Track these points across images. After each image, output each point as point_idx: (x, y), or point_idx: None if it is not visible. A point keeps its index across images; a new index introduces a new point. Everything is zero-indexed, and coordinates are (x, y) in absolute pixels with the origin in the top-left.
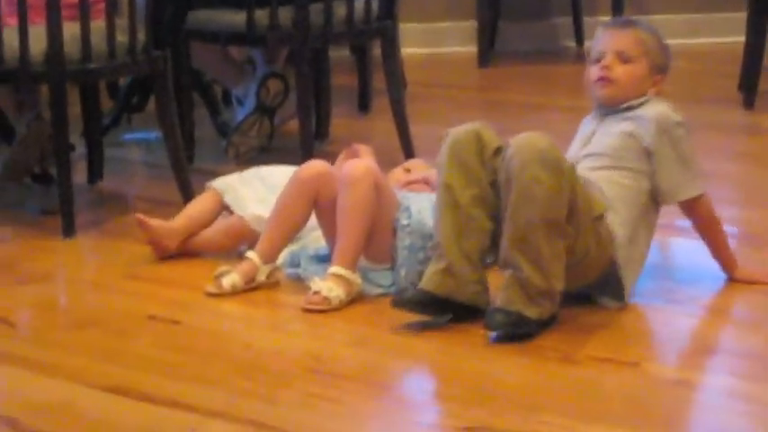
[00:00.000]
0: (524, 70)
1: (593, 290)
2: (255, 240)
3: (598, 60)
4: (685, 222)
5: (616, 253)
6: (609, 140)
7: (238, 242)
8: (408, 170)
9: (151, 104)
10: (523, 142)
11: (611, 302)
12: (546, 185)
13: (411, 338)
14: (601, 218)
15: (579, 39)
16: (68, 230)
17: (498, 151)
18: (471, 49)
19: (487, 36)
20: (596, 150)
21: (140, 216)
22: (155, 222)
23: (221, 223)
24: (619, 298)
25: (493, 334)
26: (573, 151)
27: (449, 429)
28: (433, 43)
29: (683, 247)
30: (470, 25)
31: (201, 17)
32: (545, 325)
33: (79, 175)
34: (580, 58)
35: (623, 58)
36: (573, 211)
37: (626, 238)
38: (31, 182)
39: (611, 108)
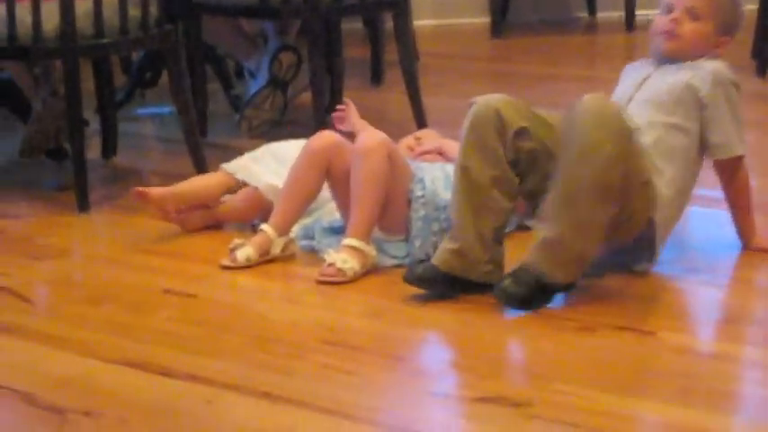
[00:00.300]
0: (537, 41)
1: (626, 252)
2: (270, 211)
3: (668, 12)
4: (701, 190)
5: (656, 214)
6: (665, 87)
7: (255, 213)
8: (419, 139)
9: (164, 79)
10: (592, 105)
11: (640, 265)
12: (606, 150)
13: (425, 309)
14: (649, 182)
15: (591, 9)
16: (83, 206)
17: (521, 132)
18: (484, 19)
19: (500, 7)
20: (650, 97)
21: (139, 189)
22: (153, 190)
23: (238, 194)
24: (648, 260)
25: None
26: (620, 94)
27: (464, 400)
28: (445, 14)
29: (699, 216)
30: None
31: None
32: (565, 290)
33: (93, 150)
34: (592, 28)
35: (693, 15)
36: (625, 177)
37: (668, 198)
38: (46, 158)
39: (671, 60)
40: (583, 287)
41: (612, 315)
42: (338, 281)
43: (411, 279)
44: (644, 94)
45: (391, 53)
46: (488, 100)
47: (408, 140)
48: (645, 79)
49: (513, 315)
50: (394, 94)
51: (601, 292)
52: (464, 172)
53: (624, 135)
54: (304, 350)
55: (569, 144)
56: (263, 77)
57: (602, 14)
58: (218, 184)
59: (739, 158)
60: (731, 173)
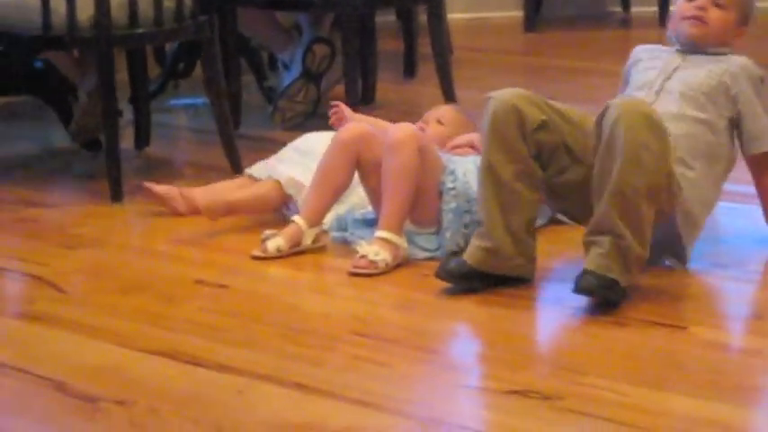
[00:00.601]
0: (570, 35)
1: (655, 249)
2: (289, 205)
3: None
4: (731, 186)
5: (679, 208)
6: (697, 82)
7: (273, 204)
8: (440, 123)
9: (198, 70)
10: (629, 107)
11: (673, 263)
12: (654, 151)
13: (456, 302)
14: (672, 174)
15: (625, 4)
16: (116, 196)
17: (541, 126)
18: (517, 13)
19: (533, 1)
20: (682, 89)
21: (146, 184)
22: (159, 188)
23: (259, 184)
24: (680, 257)
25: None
26: (644, 80)
27: (495, 393)
28: (479, 8)
29: (730, 211)
30: None
31: None
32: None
33: (126, 140)
34: (626, 23)
35: (718, 3)
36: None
37: (696, 195)
38: (81, 148)
39: (694, 47)
40: None
41: (644, 310)
42: (370, 273)
43: (443, 275)
44: (675, 85)
45: (425, 46)
46: (505, 96)
47: (433, 126)
48: (675, 69)
49: (543, 309)
50: (427, 88)
51: (632, 288)
52: (489, 170)
53: (665, 135)
54: (335, 341)
55: (614, 151)
56: (296, 69)
57: (636, 9)
58: (240, 185)
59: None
60: (763, 168)
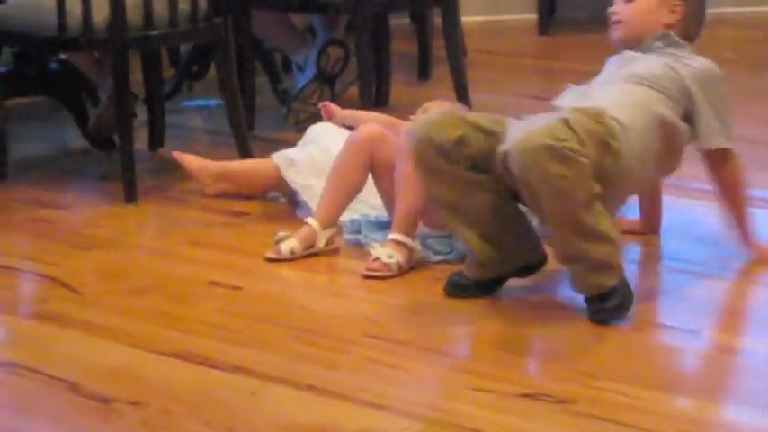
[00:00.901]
0: (584, 38)
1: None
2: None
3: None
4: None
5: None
6: (650, 67)
7: (262, 178)
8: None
9: (212, 72)
10: (524, 146)
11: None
12: (568, 175)
13: (470, 305)
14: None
15: None
16: (130, 197)
17: (459, 142)
18: (532, 16)
19: (548, 3)
20: (635, 72)
21: (176, 153)
22: (189, 157)
23: (252, 160)
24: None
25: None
26: (599, 80)
27: (507, 396)
28: (493, 11)
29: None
30: None
31: None
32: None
33: (140, 141)
34: None
35: None
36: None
37: (636, 151)
38: (95, 148)
39: (637, 48)
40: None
41: (657, 314)
42: (383, 275)
43: (449, 290)
44: (629, 71)
45: (439, 49)
46: (418, 131)
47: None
48: (632, 60)
49: (556, 312)
50: (441, 90)
51: (646, 291)
52: (434, 201)
53: (572, 153)
54: (348, 343)
55: (534, 192)
56: (310, 71)
57: None
58: (261, 166)
59: (726, 153)
60: (719, 169)
